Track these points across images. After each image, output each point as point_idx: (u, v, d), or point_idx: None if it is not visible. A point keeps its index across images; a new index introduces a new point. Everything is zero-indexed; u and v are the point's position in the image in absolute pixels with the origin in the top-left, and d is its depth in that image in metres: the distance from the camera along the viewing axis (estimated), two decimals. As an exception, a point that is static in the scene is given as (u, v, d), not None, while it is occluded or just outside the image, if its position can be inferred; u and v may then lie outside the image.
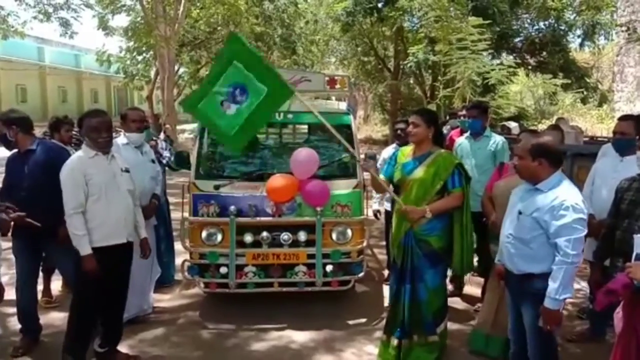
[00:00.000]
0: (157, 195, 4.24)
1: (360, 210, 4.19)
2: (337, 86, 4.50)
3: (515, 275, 2.81)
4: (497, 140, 4.52)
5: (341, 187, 4.15)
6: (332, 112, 4.67)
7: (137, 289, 4.04)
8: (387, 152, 5.01)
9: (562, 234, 2.57)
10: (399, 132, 4.80)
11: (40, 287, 4.49)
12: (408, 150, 3.52)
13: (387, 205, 4.78)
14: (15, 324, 3.81)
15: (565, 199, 2.61)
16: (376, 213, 5.16)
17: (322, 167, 4.10)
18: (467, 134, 4.68)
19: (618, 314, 2.54)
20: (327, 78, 4.55)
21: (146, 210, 4.00)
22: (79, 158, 3.24)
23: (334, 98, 5.25)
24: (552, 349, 2.87)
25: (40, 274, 4.46)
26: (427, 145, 3.39)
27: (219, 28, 19.72)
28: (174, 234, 5.13)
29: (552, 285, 2.59)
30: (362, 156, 4.62)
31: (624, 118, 3.78)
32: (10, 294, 3.83)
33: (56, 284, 4.70)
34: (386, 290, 4.78)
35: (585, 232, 2.59)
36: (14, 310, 3.76)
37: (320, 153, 4.13)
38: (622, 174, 3.15)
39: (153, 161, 4.29)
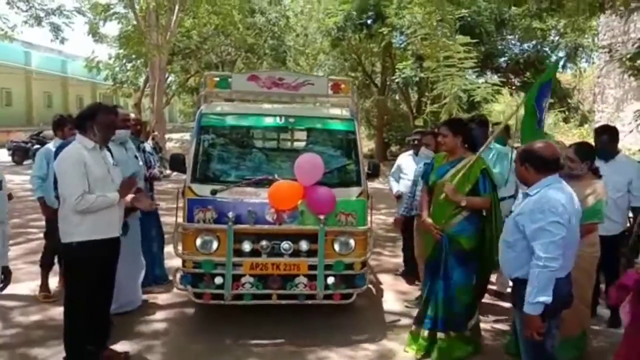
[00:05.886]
0: (140, 189, 4.08)
1: (364, 219, 4.02)
2: (341, 92, 4.35)
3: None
4: (496, 150, 4.63)
5: (345, 195, 3.99)
6: (336, 118, 4.53)
7: (127, 282, 4.05)
8: (403, 158, 5.41)
9: (537, 237, 2.52)
10: (413, 142, 5.22)
11: (37, 282, 4.56)
12: (443, 156, 3.74)
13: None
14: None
15: (544, 202, 2.54)
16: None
17: (325, 174, 3.93)
18: None
19: (624, 308, 2.58)
20: (331, 82, 4.39)
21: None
22: None
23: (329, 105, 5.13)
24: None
25: (39, 269, 4.54)
26: (459, 151, 3.61)
27: (210, 38, 19.70)
28: (165, 236, 5.08)
29: (528, 289, 2.52)
30: (365, 165, 4.48)
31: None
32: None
33: (53, 280, 4.66)
34: (385, 304, 4.69)
35: (562, 235, 2.48)
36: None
37: (322, 159, 3.96)
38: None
39: (136, 157, 4.34)
